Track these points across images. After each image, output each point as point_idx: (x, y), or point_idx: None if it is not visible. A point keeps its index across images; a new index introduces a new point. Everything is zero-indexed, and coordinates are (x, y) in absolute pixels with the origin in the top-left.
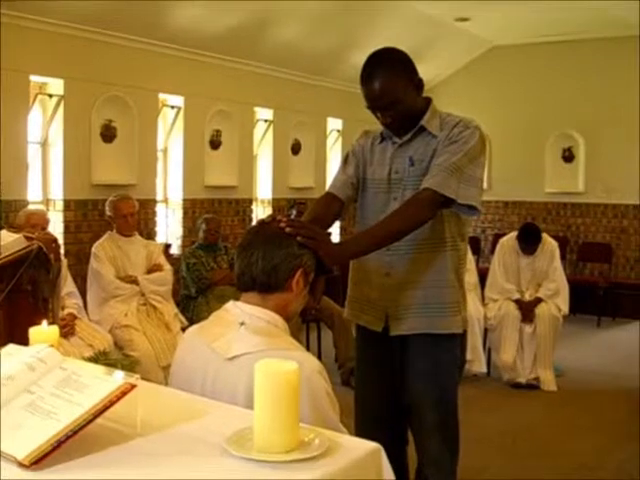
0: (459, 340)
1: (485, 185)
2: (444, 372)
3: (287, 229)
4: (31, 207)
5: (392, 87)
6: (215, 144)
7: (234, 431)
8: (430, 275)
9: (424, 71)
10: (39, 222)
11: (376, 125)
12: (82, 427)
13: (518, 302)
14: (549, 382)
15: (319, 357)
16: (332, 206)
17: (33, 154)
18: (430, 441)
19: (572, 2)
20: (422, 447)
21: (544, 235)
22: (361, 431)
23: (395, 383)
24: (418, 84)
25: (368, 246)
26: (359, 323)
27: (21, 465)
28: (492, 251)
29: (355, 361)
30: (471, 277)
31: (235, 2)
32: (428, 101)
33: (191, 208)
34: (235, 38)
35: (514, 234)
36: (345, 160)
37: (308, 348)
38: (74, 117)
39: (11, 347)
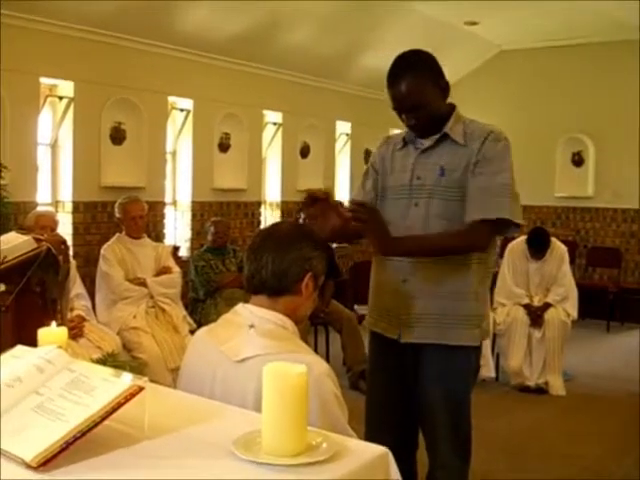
0: (476, 350)
1: None
2: (457, 379)
3: (348, 213)
4: (40, 209)
5: (418, 89)
6: (224, 147)
7: (242, 434)
8: (450, 287)
9: None
10: (48, 224)
11: (384, 128)
12: (90, 429)
13: (527, 307)
14: (558, 387)
15: (327, 360)
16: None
17: (43, 156)
18: (440, 445)
19: (580, 6)
20: (432, 451)
21: (553, 239)
22: (371, 435)
23: (407, 389)
24: (444, 87)
25: (419, 249)
26: (375, 330)
27: (29, 467)
28: (501, 255)
29: (368, 367)
30: None
31: (244, 6)
32: (452, 107)
33: (200, 211)
34: (244, 41)
35: (523, 238)
36: (366, 173)
37: (316, 351)
38: (84, 119)
39: (20, 348)
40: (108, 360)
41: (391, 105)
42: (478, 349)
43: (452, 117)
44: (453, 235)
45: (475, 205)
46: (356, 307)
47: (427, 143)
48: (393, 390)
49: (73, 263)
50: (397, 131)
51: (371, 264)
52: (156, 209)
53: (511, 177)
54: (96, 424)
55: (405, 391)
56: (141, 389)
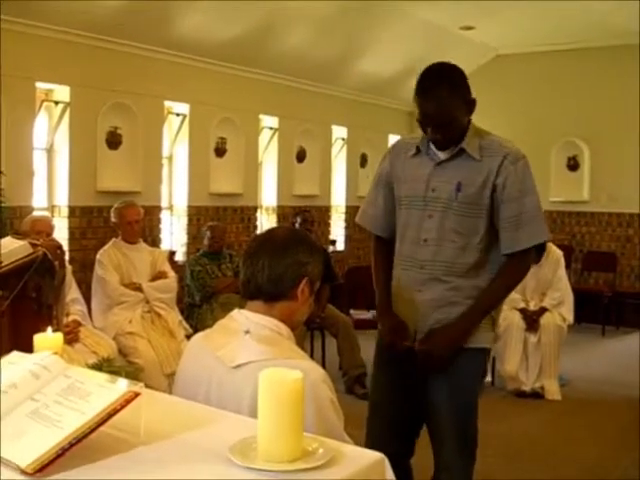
0: (485, 353)
1: None
2: (466, 379)
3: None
4: (36, 213)
5: (449, 107)
6: (220, 151)
7: (238, 440)
8: (466, 292)
9: None
10: (44, 229)
11: (380, 133)
12: (86, 435)
13: (523, 311)
14: (554, 391)
15: (323, 365)
16: (389, 251)
17: (38, 160)
18: (446, 445)
19: (576, 11)
20: (438, 452)
21: (549, 244)
22: (373, 437)
23: (413, 393)
24: (470, 103)
25: (489, 309)
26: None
27: (24, 473)
28: None
29: (374, 373)
30: None
31: (240, 11)
32: (468, 120)
33: (196, 215)
34: (240, 46)
35: None
36: (376, 185)
37: (312, 356)
38: (80, 124)
39: (15, 354)
40: (104, 365)
41: (418, 117)
42: (488, 352)
43: (469, 130)
44: (503, 277)
45: (511, 236)
46: (352, 312)
47: (443, 156)
48: (401, 397)
49: (69, 268)
50: (395, 137)
51: (366, 269)
52: (152, 214)
53: (537, 195)
54: (92, 430)
55: (411, 396)
56: (137, 395)
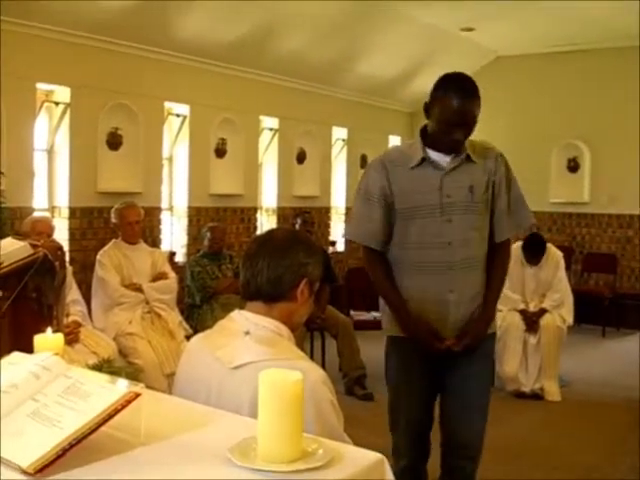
0: (494, 336)
1: None
2: (488, 362)
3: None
4: (37, 214)
5: (477, 111)
6: (220, 152)
7: (238, 441)
8: (481, 288)
9: (429, 81)
10: (44, 229)
11: (380, 134)
12: (86, 435)
13: (523, 312)
14: (553, 392)
15: (323, 366)
16: (387, 262)
17: (39, 161)
18: (465, 426)
19: (576, 13)
20: (462, 434)
21: (549, 245)
22: (405, 442)
23: (433, 390)
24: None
25: (498, 296)
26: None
27: (25, 473)
28: None
29: (395, 375)
30: None
31: (241, 12)
32: None
33: (196, 216)
34: (241, 47)
35: (519, 244)
36: (366, 202)
37: (312, 357)
38: (80, 125)
39: (16, 355)
40: (104, 366)
41: (447, 116)
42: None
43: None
44: (502, 264)
45: (504, 226)
46: (352, 313)
47: (452, 164)
48: (425, 397)
49: (69, 269)
50: (395, 138)
51: (366, 271)
52: (152, 214)
53: (518, 184)
54: (92, 430)
55: (432, 393)
56: (137, 396)
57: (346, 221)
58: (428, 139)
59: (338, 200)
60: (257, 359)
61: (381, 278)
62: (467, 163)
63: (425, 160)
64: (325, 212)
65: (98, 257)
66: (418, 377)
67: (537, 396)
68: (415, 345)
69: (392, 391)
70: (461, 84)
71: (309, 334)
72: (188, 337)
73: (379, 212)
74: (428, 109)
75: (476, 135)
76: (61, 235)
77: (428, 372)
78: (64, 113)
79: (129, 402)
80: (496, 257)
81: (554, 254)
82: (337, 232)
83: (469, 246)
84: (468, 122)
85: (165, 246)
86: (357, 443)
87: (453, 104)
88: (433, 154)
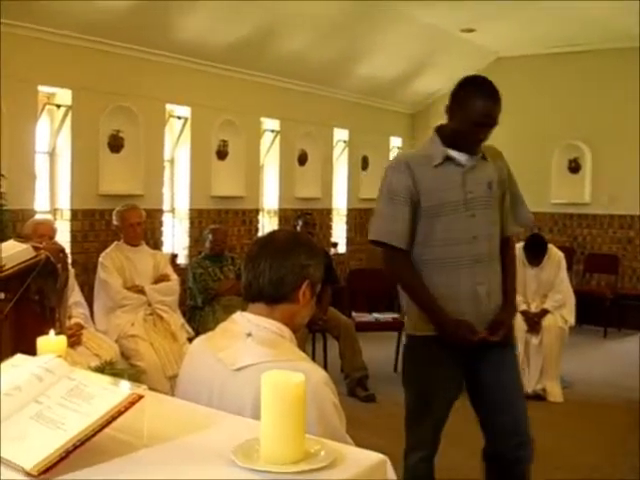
0: None
1: None
2: (518, 362)
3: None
4: (38, 217)
5: (500, 112)
6: (222, 154)
7: (241, 442)
8: (501, 279)
9: (429, 82)
10: (46, 232)
11: (381, 136)
12: (90, 437)
13: (524, 313)
14: (555, 393)
15: (325, 367)
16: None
17: (41, 164)
18: (524, 421)
19: (577, 14)
20: (516, 431)
21: (550, 246)
22: (428, 437)
23: (458, 389)
24: None
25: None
26: (431, 334)
27: (29, 475)
28: None
29: (422, 374)
30: None
31: (241, 13)
32: None
33: (198, 218)
34: (242, 49)
35: (520, 245)
36: (392, 202)
37: (314, 358)
38: (82, 127)
39: (19, 357)
40: (106, 368)
41: (474, 117)
42: None
43: None
44: (513, 256)
45: (510, 221)
46: (353, 314)
47: (471, 162)
48: (451, 394)
49: (71, 271)
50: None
51: (368, 271)
52: (154, 217)
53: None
54: (96, 432)
55: (458, 389)
56: (140, 397)
57: (370, 223)
58: (447, 138)
59: (339, 202)
60: (259, 361)
61: (410, 277)
62: (482, 161)
63: (447, 158)
64: (326, 214)
65: (100, 259)
66: (446, 375)
67: (539, 397)
68: (443, 342)
69: (418, 389)
70: (487, 87)
71: (311, 335)
72: (190, 339)
73: (405, 211)
74: (451, 110)
75: None
76: (63, 237)
77: (456, 369)
78: (65, 115)
79: (132, 404)
80: (508, 250)
81: (555, 255)
82: (338, 233)
83: (492, 239)
84: (492, 123)
85: (167, 248)
86: (359, 444)
87: (481, 105)
88: (453, 153)
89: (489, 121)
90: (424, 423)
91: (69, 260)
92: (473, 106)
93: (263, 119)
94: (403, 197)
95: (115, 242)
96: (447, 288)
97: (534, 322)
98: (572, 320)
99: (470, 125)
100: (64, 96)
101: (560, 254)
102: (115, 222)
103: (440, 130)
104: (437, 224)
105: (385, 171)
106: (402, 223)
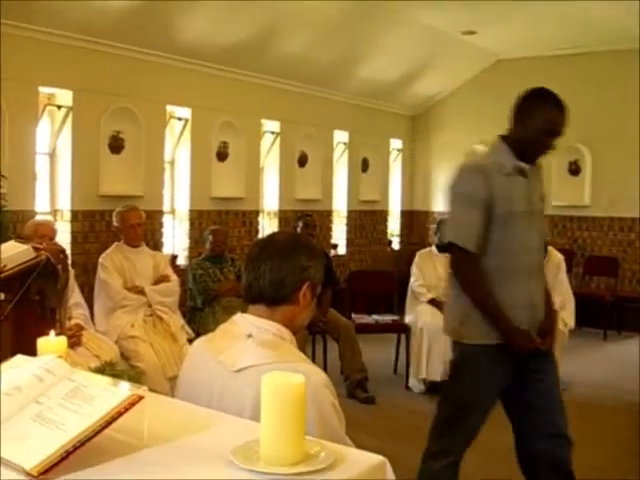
0: None
1: None
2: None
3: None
4: (39, 218)
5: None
6: (222, 156)
7: (241, 443)
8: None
9: (430, 84)
10: (47, 233)
11: (381, 138)
12: (90, 438)
13: None
14: None
15: (325, 369)
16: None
17: (41, 165)
18: (563, 421)
19: (577, 16)
20: (557, 431)
21: (550, 248)
22: (464, 443)
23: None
24: None
25: None
26: (498, 342)
27: (29, 475)
28: None
29: (476, 382)
30: None
31: (242, 15)
32: None
33: (198, 219)
34: (242, 51)
35: None
36: (472, 207)
37: (314, 360)
38: (82, 128)
39: (19, 358)
40: (106, 369)
41: (548, 128)
42: None
43: None
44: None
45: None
46: (353, 316)
47: (532, 172)
48: (493, 400)
49: (71, 272)
50: (397, 141)
51: (368, 273)
52: (154, 218)
53: None
54: (96, 433)
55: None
56: (141, 398)
57: (446, 226)
58: (514, 148)
59: (339, 203)
60: (259, 362)
61: (479, 283)
62: (537, 173)
63: (515, 169)
64: (327, 215)
65: (100, 260)
66: (498, 386)
67: None
68: (503, 352)
69: (464, 398)
70: (553, 97)
71: (311, 337)
72: (190, 340)
73: (480, 217)
74: (517, 121)
75: (478, 137)
76: (63, 238)
77: (508, 379)
78: (66, 116)
79: (132, 405)
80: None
81: (555, 257)
82: (338, 235)
83: (542, 250)
84: (560, 131)
85: (167, 249)
86: (359, 446)
87: (556, 117)
88: (521, 163)
89: (558, 129)
90: (461, 432)
91: (69, 261)
92: (549, 118)
93: (263, 121)
94: (479, 202)
95: (115, 243)
96: (507, 296)
97: None
98: (572, 322)
99: (540, 134)
100: (65, 97)
101: (560, 256)
102: (115, 223)
103: (505, 140)
104: (504, 232)
105: (458, 176)
106: (477, 228)
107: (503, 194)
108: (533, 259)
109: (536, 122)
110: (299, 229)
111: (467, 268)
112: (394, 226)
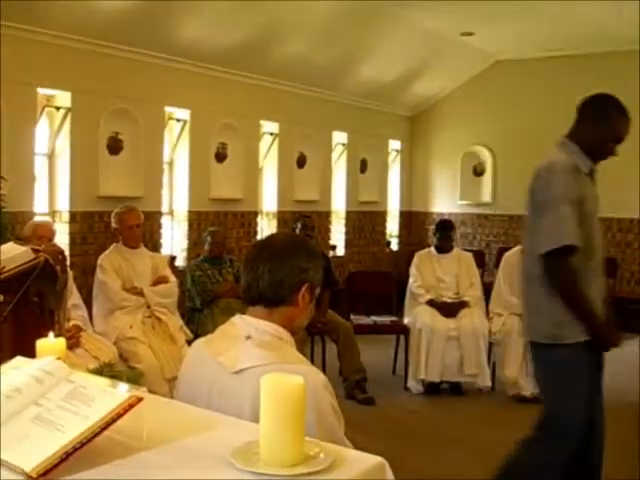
0: None
1: (490, 199)
2: None
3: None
4: (38, 219)
5: None
6: (221, 157)
7: (240, 444)
8: None
9: (428, 85)
10: (45, 234)
11: (380, 139)
12: (89, 440)
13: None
14: None
15: (323, 370)
16: None
17: (40, 166)
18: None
19: (575, 17)
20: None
21: None
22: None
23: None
24: None
25: None
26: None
27: (28, 477)
28: (497, 265)
29: (584, 380)
30: (476, 291)
31: (241, 17)
32: None
33: (196, 220)
34: (241, 52)
35: (519, 248)
36: (569, 204)
37: (312, 361)
38: (81, 129)
39: (19, 359)
40: (105, 370)
41: (620, 135)
42: None
43: None
44: None
45: None
46: (352, 317)
47: (594, 176)
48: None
49: (70, 273)
50: (395, 142)
51: (367, 274)
52: (153, 219)
53: None
54: (95, 435)
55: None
56: (140, 400)
57: (554, 228)
58: (582, 150)
59: (338, 204)
60: (258, 363)
61: (575, 284)
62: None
63: (590, 169)
64: (325, 216)
65: (99, 261)
66: (596, 377)
67: (538, 400)
68: (590, 345)
69: (585, 389)
70: (622, 105)
71: (310, 338)
72: (189, 341)
73: (575, 214)
74: (590, 125)
75: (477, 138)
76: (62, 239)
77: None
78: (65, 118)
79: (132, 406)
80: None
81: None
82: (337, 236)
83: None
84: (625, 139)
85: (165, 250)
86: (358, 447)
87: (627, 126)
88: (594, 164)
89: (624, 137)
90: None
91: (68, 262)
92: (622, 125)
93: (262, 122)
94: (573, 200)
95: (114, 244)
96: (591, 292)
97: None
98: None
99: (615, 142)
100: (63, 98)
101: None
102: (114, 224)
103: (573, 141)
104: (589, 232)
105: (554, 175)
106: (575, 224)
107: (587, 195)
108: (602, 256)
109: (609, 129)
110: (298, 230)
111: (567, 270)
112: (393, 227)
